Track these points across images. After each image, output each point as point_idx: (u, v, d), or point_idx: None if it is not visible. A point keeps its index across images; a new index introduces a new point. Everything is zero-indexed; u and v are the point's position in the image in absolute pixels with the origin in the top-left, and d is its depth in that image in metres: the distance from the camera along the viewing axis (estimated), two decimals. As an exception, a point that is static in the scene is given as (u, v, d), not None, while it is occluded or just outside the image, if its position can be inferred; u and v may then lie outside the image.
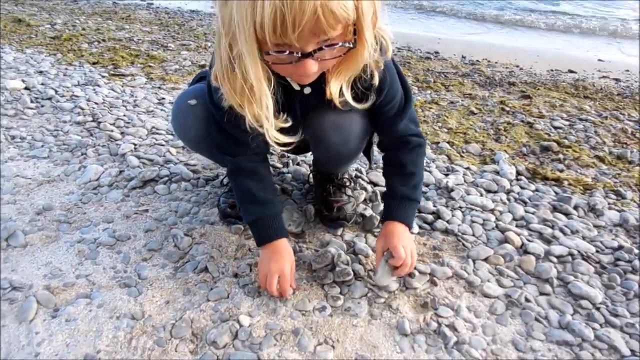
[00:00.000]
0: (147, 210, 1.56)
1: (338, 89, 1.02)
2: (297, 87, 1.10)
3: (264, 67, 0.90)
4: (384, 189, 1.44)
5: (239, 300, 1.19)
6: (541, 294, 1.25)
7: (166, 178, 1.74)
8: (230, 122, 1.10)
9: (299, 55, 0.86)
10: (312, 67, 0.89)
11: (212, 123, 1.23)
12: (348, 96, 1.04)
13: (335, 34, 0.84)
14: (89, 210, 1.55)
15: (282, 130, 1.06)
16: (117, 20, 4.67)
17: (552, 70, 3.43)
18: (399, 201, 1.27)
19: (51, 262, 1.32)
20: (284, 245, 1.25)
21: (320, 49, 0.86)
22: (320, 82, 1.02)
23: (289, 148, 1.13)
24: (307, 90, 1.12)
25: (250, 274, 1.28)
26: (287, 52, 0.85)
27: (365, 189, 1.67)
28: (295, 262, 1.27)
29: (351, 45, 0.89)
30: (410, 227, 1.27)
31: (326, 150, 1.29)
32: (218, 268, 1.30)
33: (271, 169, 1.75)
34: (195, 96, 1.29)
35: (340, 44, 0.87)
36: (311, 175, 1.67)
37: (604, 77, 3.30)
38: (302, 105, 1.16)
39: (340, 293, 1.23)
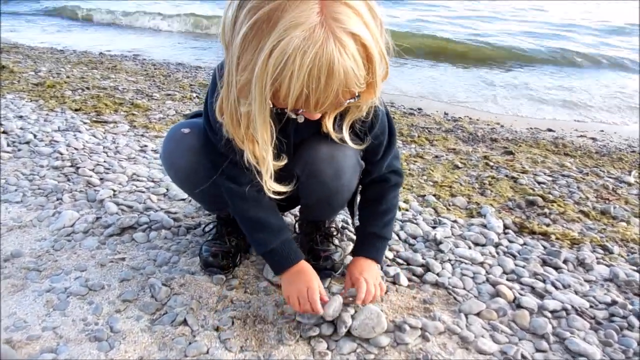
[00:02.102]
0: (123, 259, 1.48)
1: (332, 123, 1.05)
2: (292, 115, 1.09)
3: (270, 124, 0.94)
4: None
5: (220, 355, 1.11)
6: (537, 350, 1.19)
7: (146, 225, 1.67)
8: (230, 147, 1.09)
9: None
10: (318, 115, 0.98)
11: (205, 153, 1.22)
12: (346, 136, 1.08)
13: None
14: (61, 258, 1.47)
15: (278, 179, 1.07)
16: (103, 69, 4.69)
17: (531, 128, 3.51)
18: (369, 239, 1.33)
19: (15, 312, 1.22)
20: (307, 265, 1.26)
21: None
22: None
23: (281, 197, 1.11)
24: (301, 119, 1.11)
25: (233, 327, 1.20)
26: (301, 111, 0.92)
27: (352, 241, 1.63)
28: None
29: (354, 100, 0.93)
30: (378, 262, 1.33)
31: (317, 186, 1.25)
32: (198, 321, 1.22)
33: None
34: (189, 126, 1.28)
35: (347, 102, 0.92)
36: (297, 225, 1.62)
37: (581, 136, 3.39)
38: (295, 133, 1.16)
39: (328, 348, 1.15)
